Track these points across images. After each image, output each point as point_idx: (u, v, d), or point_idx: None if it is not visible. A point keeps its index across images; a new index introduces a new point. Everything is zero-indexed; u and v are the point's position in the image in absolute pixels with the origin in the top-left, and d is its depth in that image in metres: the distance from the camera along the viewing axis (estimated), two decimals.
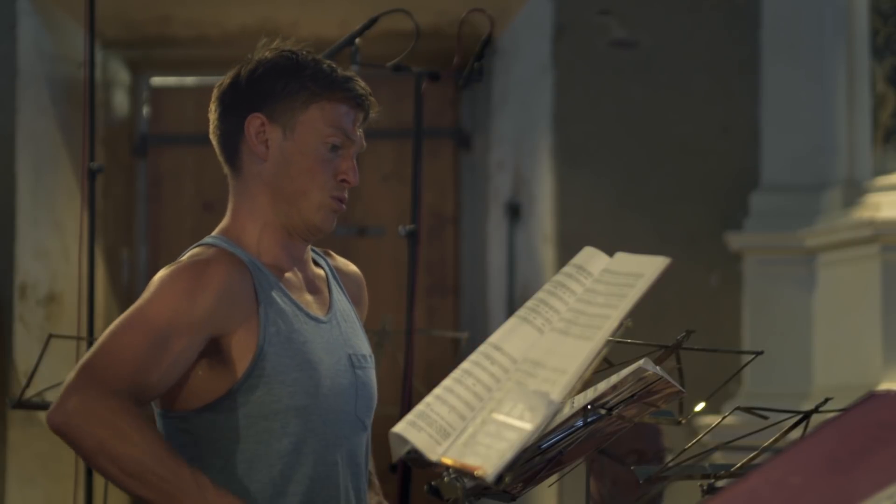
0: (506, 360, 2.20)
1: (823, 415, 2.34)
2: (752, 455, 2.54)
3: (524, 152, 6.08)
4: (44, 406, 3.67)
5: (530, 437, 2.07)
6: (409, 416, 2.18)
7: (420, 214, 3.71)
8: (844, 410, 1.70)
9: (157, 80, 6.76)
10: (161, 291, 2.54)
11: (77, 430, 2.44)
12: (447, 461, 2.12)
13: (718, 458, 2.79)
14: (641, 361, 2.24)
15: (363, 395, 2.71)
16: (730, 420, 2.67)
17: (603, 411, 2.23)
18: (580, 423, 2.24)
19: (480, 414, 2.14)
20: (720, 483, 2.52)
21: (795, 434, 2.48)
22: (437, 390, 2.20)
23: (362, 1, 4.50)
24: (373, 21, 3.73)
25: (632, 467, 2.72)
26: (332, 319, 2.71)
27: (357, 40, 3.71)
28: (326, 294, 2.75)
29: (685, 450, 2.52)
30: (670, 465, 2.55)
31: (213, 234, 2.70)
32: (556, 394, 2.08)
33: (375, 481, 2.87)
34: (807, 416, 2.52)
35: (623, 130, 5.62)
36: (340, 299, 2.77)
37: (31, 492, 5.82)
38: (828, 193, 5.37)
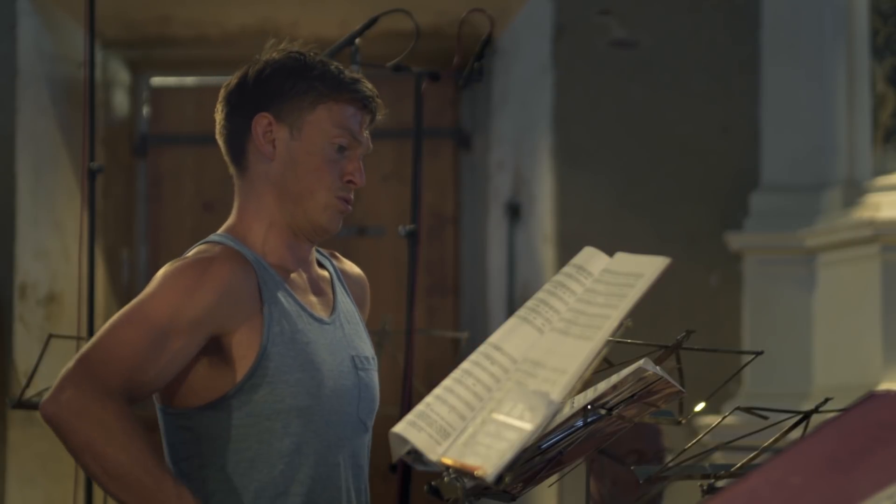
0: (506, 360, 2.20)
1: (823, 415, 2.34)
2: (752, 455, 2.54)
3: (524, 152, 6.08)
4: None
5: (530, 437, 2.07)
6: (409, 416, 2.18)
7: (420, 214, 3.71)
8: (844, 410, 1.70)
9: (157, 80, 6.76)
10: (163, 287, 2.54)
11: (67, 424, 2.45)
12: (447, 461, 2.12)
13: (718, 458, 2.79)
14: (641, 361, 2.24)
15: (365, 396, 2.72)
16: (730, 420, 2.67)
17: (603, 411, 2.23)
18: (580, 423, 2.24)
19: (480, 414, 2.14)
20: (720, 483, 2.52)
21: (795, 434, 2.48)
22: (437, 390, 2.20)
23: (362, 1, 4.50)
24: (373, 21, 3.73)
25: (632, 467, 2.72)
26: (335, 321, 2.71)
27: (357, 40, 3.71)
28: (331, 295, 2.75)
29: (685, 450, 2.52)
30: (670, 465, 2.54)
31: (219, 232, 2.70)
32: (556, 394, 2.08)
33: None
34: (807, 416, 2.52)
35: (623, 130, 5.62)
36: (344, 301, 2.78)
37: (31, 492, 5.82)
38: (828, 193, 5.37)
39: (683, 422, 2.50)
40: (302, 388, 2.60)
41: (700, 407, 2.62)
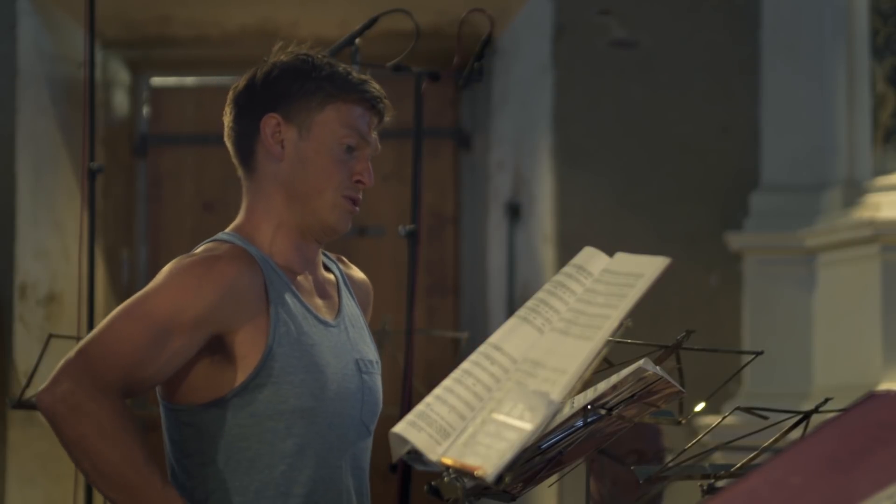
0: (506, 360, 2.20)
1: (823, 415, 2.34)
2: (752, 455, 2.54)
3: (524, 152, 6.08)
4: None
5: (530, 437, 2.07)
6: (409, 416, 2.18)
7: (420, 214, 3.71)
8: (844, 410, 1.70)
9: (157, 80, 6.76)
10: (167, 284, 2.54)
11: (61, 417, 2.45)
12: (447, 461, 2.12)
13: (718, 458, 2.79)
14: (641, 361, 2.24)
15: (369, 400, 2.72)
16: (730, 420, 2.67)
17: (603, 411, 2.23)
18: (580, 423, 2.24)
19: (480, 414, 2.14)
20: (720, 483, 2.52)
21: (795, 434, 2.48)
22: (437, 390, 2.20)
23: (362, 1, 4.50)
24: (373, 21, 3.73)
25: (632, 467, 2.72)
26: (340, 324, 2.72)
27: (357, 40, 3.71)
28: (336, 299, 2.76)
29: (685, 450, 2.52)
30: (670, 465, 2.54)
31: (227, 230, 2.70)
32: (556, 394, 2.08)
33: None
34: (807, 416, 2.52)
35: (623, 130, 5.62)
36: (349, 305, 2.78)
37: (31, 492, 5.82)
38: (828, 193, 5.37)
39: (683, 422, 2.50)
40: (306, 390, 2.60)
41: (700, 407, 2.62)
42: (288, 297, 2.63)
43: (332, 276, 2.80)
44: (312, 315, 2.66)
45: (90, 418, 2.45)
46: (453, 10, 4.63)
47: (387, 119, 2.74)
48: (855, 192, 5.25)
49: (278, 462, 2.60)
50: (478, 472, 2.06)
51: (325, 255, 2.81)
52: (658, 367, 2.26)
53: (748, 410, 2.55)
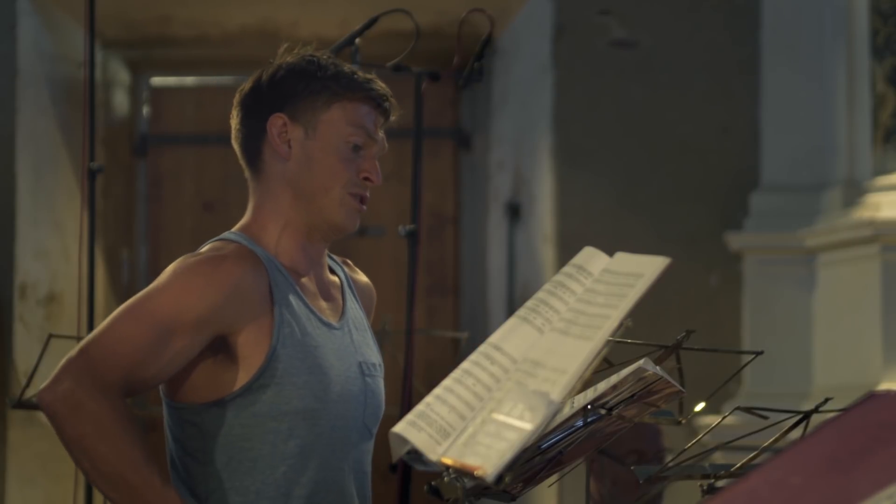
0: (506, 360, 2.20)
1: (823, 415, 2.34)
2: (752, 455, 2.54)
3: (524, 152, 6.08)
4: None
5: (530, 437, 2.07)
6: (409, 416, 2.18)
7: (420, 214, 3.71)
8: (844, 410, 1.70)
9: (157, 80, 6.76)
10: (172, 283, 2.54)
11: (62, 416, 2.46)
12: (447, 461, 2.12)
13: (718, 458, 2.79)
14: (641, 361, 2.23)
15: (371, 402, 2.72)
16: (730, 420, 2.67)
17: (603, 411, 2.23)
18: (580, 423, 2.24)
19: (480, 414, 2.14)
20: (720, 483, 2.52)
21: (795, 434, 2.48)
22: (437, 390, 2.20)
23: (362, 1, 4.50)
24: (373, 21, 3.73)
25: (632, 467, 2.72)
26: (344, 326, 2.72)
27: (357, 40, 3.71)
28: (340, 301, 2.76)
29: (685, 450, 2.52)
30: (670, 465, 2.54)
31: (233, 230, 2.71)
32: (556, 394, 2.08)
33: None
34: (807, 416, 2.52)
35: (623, 130, 5.62)
36: (354, 307, 2.78)
37: (31, 492, 5.82)
38: (828, 193, 5.37)
39: (683, 422, 2.50)
40: (309, 391, 2.60)
41: (700, 407, 2.62)
42: (292, 299, 2.63)
43: (336, 279, 2.80)
44: (316, 317, 2.66)
45: (91, 418, 2.45)
46: (453, 10, 4.63)
47: (393, 118, 2.74)
48: (855, 192, 5.25)
49: (280, 463, 2.60)
50: (478, 472, 2.06)
51: (330, 257, 2.81)
52: (658, 367, 2.26)
53: (748, 410, 2.55)
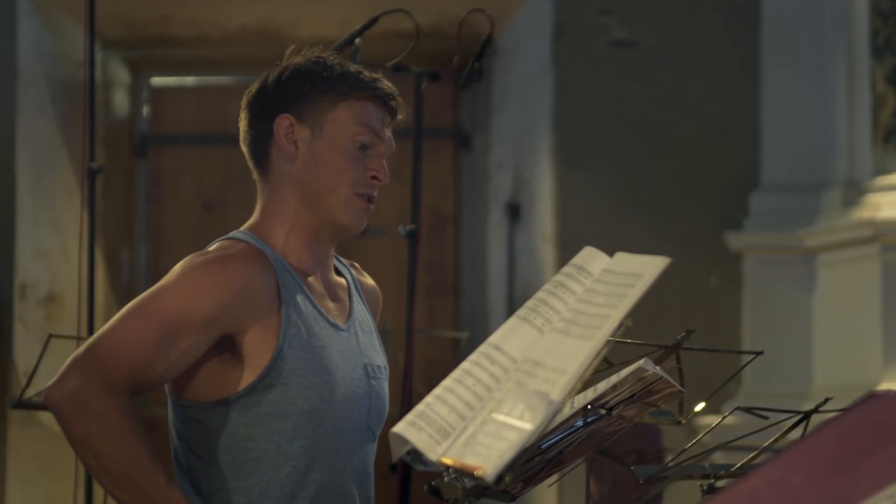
0: (506, 360, 2.20)
1: (823, 415, 2.34)
2: (752, 455, 2.54)
3: (524, 152, 6.08)
4: (44, 406, 3.67)
5: (530, 437, 2.07)
6: (409, 416, 2.18)
7: (420, 214, 3.71)
8: (844, 410, 1.70)
9: (157, 80, 6.76)
10: (180, 282, 2.54)
11: (68, 414, 2.46)
12: (447, 461, 2.12)
13: (718, 458, 2.79)
14: (641, 361, 2.23)
15: (376, 405, 2.72)
16: (730, 420, 2.67)
17: (603, 411, 2.23)
18: (580, 423, 2.23)
19: (480, 414, 2.14)
20: (720, 483, 2.52)
21: (795, 434, 2.48)
22: (437, 390, 2.20)
23: (362, 1, 4.50)
24: (373, 21, 3.73)
25: (632, 467, 2.72)
26: (350, 328, 2.72)
27: (357, 40, 3.71)
28: (347, 303, 2.76)
29: (685, 450, 2.52)
30: (670, 465, 2.54)
31: (241, 229, 2.71)
32: (556, 394, 2.08)
33: None
34: (807, 416, 2.52)
35: (623, 130, 5.62)
36: (360, 309, 2.79)
37: (31, 492, 5.82)
38: (828, 193, 5.37)
39: (683, 422, 2.50)
40: (314, 392, 2.60)
41: (700, 407, 2.62)
42: (300, 299, 2.63)
43: (343, 281, 2.80)
44: (323, 318, 2.66)
45: (97, 416, 2.45)
46: (453, 10, 4.63)
47: (400, 116, 2.74)
48: (855, 192, 5.25)
49: (284, 464, 2.60)
50: (478, 472, 2.06)
51: (337, 259, 2.81)
52: (658, 367, 2.26)
53: (748, 410, 2.55)
